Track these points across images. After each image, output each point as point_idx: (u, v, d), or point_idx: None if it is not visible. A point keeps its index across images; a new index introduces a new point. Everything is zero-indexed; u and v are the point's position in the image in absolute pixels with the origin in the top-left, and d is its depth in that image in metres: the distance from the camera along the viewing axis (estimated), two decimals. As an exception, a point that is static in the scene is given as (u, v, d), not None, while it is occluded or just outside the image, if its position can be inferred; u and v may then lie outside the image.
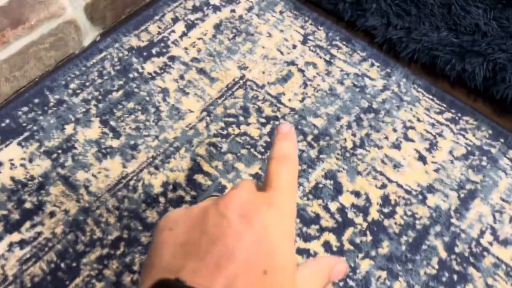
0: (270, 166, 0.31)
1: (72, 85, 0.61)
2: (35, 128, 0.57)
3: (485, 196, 0.52)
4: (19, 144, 0.56)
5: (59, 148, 0.55)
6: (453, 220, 0.51)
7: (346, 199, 0.52)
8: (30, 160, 0.54)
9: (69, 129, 0.57)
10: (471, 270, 0.48)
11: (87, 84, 0.61)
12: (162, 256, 0.26)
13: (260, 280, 0.25)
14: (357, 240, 0.49)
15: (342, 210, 0.51)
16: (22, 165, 0.54)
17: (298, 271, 0.28)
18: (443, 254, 0.49)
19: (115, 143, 0.56)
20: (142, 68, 0.62)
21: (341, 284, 0.47)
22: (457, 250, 0.49)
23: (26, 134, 0.56)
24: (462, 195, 0.53)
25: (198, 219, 0.27)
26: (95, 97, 0.60)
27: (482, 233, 0.50)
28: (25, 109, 0.58)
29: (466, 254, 0.49)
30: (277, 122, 0.58)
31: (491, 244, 0.49)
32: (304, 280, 0.29)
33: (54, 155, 0.55)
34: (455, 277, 0.47)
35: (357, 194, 0.53)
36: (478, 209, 0.52)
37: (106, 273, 0.47)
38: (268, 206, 0.28)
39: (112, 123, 0.57)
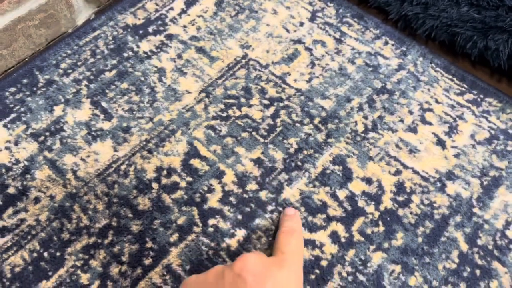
0: (279, 236, 0.39)
1: (63, 65, 0.57)
2: (22, 109, 0.53)
3: (511, 184, 0.47)
4: (4, 126, 0.52)
5: (47, 130, 0.52)
6: (475, 210, 0.46)
7: (356, 187, 0.47)
8: (16, 143, 0.51)
9: (58, 110, 0.53)
10: (495, 264, 0.43)
11: (79, 63, 0.57)
12: None
13: None
14: (368, 231, 0.45)
15: (351, 198, 0.47)
16: (7, 148, 0.50)
17: None
18: (464, 247, 0.44)
19: (106, 126, 0.52)
20: (138, 47, 0.58)
21: (350, 278, 0.42)
22: (479, 242, 0.44)
23: (12, 115, 0.53)
24: (485, 183, 0.47)
25: (215, 281, 0.32)
26: (86, 77, 0.56)
27: (507, 224, 0.45)
28: (12, 89, 0.55)
29: (490, 247, 0.44)
30: (281, 104, 0.53)
31: (518, 236, 0.44)
32: None
33: (41, 138, 0.51)
34: (477, 272, 0.42)
35: (368, 181, 0.48)
36: (503, 198, 0.46)
37: (93, 264, 0.43)
38: (279, 268, 0.34)
39: (104, 104, 0.53)
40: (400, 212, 0.46)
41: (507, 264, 0.43)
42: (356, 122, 0.52)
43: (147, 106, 0.53)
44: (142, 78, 0.55)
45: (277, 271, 0.34)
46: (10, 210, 0.46)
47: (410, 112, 0.52)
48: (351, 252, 0.44)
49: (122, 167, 0.49)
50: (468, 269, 0.43)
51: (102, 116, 0.52)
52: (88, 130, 0.52)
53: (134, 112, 0.53)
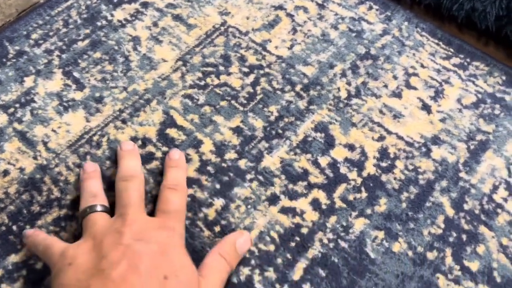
0: (162, 194, 0.38)
1: (34, 35, 0.54)
2: (-9, 81, 0.51)
3: (499, 148, 0.46)
4: (-28, 98, 0.50)
5: (16, 102, 0.49)
6: (462, 174, 0.44)
7: (339, 153, 0.46)
8: (-16, 116, 0.49)
9: (28, 81, 0.51)
10: (482, 229, 0.41)
11: (51, 34, 0.55)
12: (66, 282, 0.30)
13: (162, 284, 0.29)
14: (350, 197, 0.43)
15: (333, 165, 0.45)
16: (-26, 120, 0.48)
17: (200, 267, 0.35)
18: (450, 212, 0.42)
19: (78, 96, 0.50)
20: (112, 15, 0.56)
21: (331, 245, 0.41)
22: (466, 207, 0.42)
23: (-19, 88, 0.51)
24: (472, 147, 0.46)
25: (94, 249, 0.32)
26: (58, 47, 0.53)
27: (495, 188, 0.43)
28: (-20, 61, 0.52)
29: (477, 212, 0.42)
30: (261, 72, 0.51)
31: (505, 200, 0.43)
32: (206, 271, 0.34)
33: (11, 110, 0.49)
34: (464, 237, 0.41)
35: (351, 147, 0.46)
36: (491, 161, 0.45)
37: (64, 236, 0.41)
38: (160, 229, 0.34)
39: (76, 74, 0.51)
40: (384, 178, 0.44)
41: (494, 228, 0.41)
42: (339, 88, 0.50)
43: (121, 76, 0.51)
44: (116, 47, 0.53)
45: (159, 232, 0.34)
46: (-23, 184, 0.44)
47: (395, 77, 0.51)
48: (333, 219, 0.42)
49: (95, 138, 0.47)
50: (454, 234, 0.41)
51: (74, 87, 0.50)
52: (60, 101, 0.49)
53: (107, 82, 0.50)
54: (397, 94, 0.49)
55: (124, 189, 0.38)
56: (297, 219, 0.42)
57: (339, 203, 0.43)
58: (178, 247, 0.34)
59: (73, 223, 0.42)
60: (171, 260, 0.32)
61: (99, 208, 0.37)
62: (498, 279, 0.39)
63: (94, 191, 0.39)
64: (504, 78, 0.50)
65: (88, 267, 0.30)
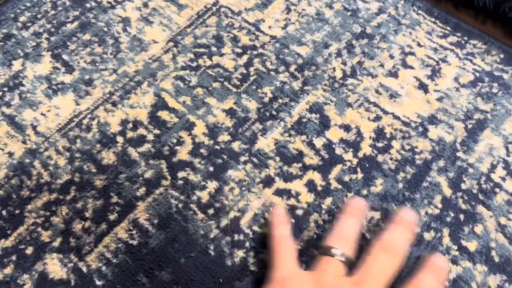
0: (372, 250, 0.32)
1: (22, 18, 0.53)
2: (-22, 65, 0.50)
3: (497, 126, 0.45)
4: (-41, 82, 0.49)
5: (4, 86, 0.48)
6: (459, 154, 0.43)
7: (334, 134, 0.45)
8: (-29, 100, 0.47)
9: (16, 65, 0.50)
10: (480, 208, 0.41)
11: (39, 16, 0.53)
12: None
13: None
14: (346, 178, 0.42)
15: (329, 146, 0.44)
16: (-39, 105, 0.47)
17: None
18: (448, 192, 0.42)
19: (67, 79, 0.48)
20: (101, -4, 0.54)
21: (327, 226, 0.40)
22: (464, 187, 0.42)
23: (-33, 71, 0.49)
24: (469, 126, 0.45)
25: None
26: (47, 29, 0.52)
27: (493, 167, 0.43)
28: (-33, 44, 0.51)
29: (475, 191, 0.41)
30: (254, 52, 0.50)
31: (503, 179, 0.42)
32: None
33: (-1, 94, 0.48)
34: (461, 217, 0.40)
35: (346, 128, 0.45)
36: (488, 140, 0.44)
37: (54, 221, 0.41)
38: None
39: (65, 57, 0.50)
40: (380, 158, 0.43)
41: (492, 207, 0.41)
42: (334, 68, 0.49)
43: (111, 58, 0.50)
44: (106, 29, 0.52)
45: None
46: (-35, 169, 0.43)
47: (391, 57, 0.50)
48: (328, 200, 0.41)
49: (85, 121, 0.46)
50: (452, 214, 0.40)
51: (63, 69, 0.49)
52: (49, 84, 0.48)
53: (97, 64, 0.49)
54: (393, 74, 0.48)
55: (376, 257, 0.32)
56: (292, 201, 0.41)
57: (334, 184, 0.42)
58: None
59: (63, 207, 0.41)
60: None
61: (341, 257, 0.33)
62: (496, 259, 0.38)
63: (348, 235, 0.34)
64: (502, 56, 0.49)
65: None
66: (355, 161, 0.43)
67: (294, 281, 0.32)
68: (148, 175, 0.43)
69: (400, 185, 0.42)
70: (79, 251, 0.39)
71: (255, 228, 0.40)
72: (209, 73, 0.49)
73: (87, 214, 0.41)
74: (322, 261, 0.33)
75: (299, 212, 0.41)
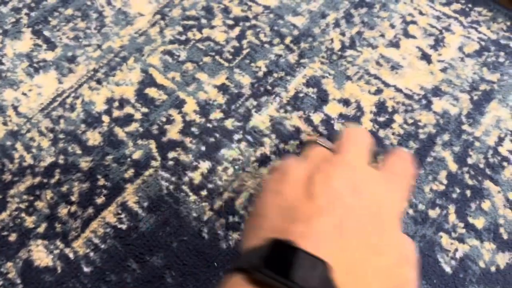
0: (392, 156, 0.29)
1: (-1, -7, 0.50)
2: (-47, 43, 0.47)
3: (504, 97, 0.42)
4: None
5: (-18, 65, 0.46)
6: (465, 127, 0.41)
7: (333, 109, 0.42)
8: None
9: (-5, 42, 0.47)
10: (487, 183, 0.38)
11: (17, -10, 0.50)
12: (269, 217, 0.25)
13: (368, 255, 0.24)
14: (346, 155, 0.40)
15: (327, 121, 0.42)
16: None
17: None
18: (453, 167, 0.39)
19: (49, 56, 0.46)
20: (83, -32, 0.51)
21: (326, 206, 0.38)
22: (470, 161, 0.40)
23: None
24: (475, 98, 0.43)
25: (304, 184, 0.26)
26: (26, 5, 0.49)
27: (500, 140, 0.40)
28: None
29: (482, 166, 0.39)
30: (247, 24, 0.47)
31: (511, 152, 0.40)
32: None
33: (-24, 73, 0.45)
34: (468, 192, 0.38)
35: (346, 102, 0.43)
36: (495, 112, 0.42)
37: (38, 205, 0.38)
38: (379, 182, 0.26)
39: (46, 33, 0.47)
40: (381, 133, 0.41)
41: (500, 182, 0.39)
42: (332, 39, 0.46)
43: (95, 33, 0.47)
44: (89, 3, 0.49)
45: (377, 185, 0.26)
46: None
47: (392, 26, 0.47)
48: (327, 179, 0.39)
49: (68, 100, 0.43)
50: (458, 190, 0.38)
51: (44, 46, 0.46)
52: (30, 62, 0.45)
53: (80, 40, 0.46)
54: (394, 44, 0.46)
55: (349, 136, 0.30)
56: (289, 180, 0.39)
57: (333, 161, 0.40)
58: (393, 214, 0.27)
59: (48, 191, 0.39)
60: (383, 230, 0.26)
61: (325, 144, 0.30)
62: (505, 236, 0.36)
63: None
64: (508, 24, 0.47)
65: (294, 206, 0.25)
66: (355, 136, 0.41)
67: (288, 164, 0.28)
68: (136, 156, 0.40)
69: (403, 161, 0.39)
70: (65, 237, 0.37)
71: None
72: (199, 47, 0.46)
73: (73, 198, 0.39)
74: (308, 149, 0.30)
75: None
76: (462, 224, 0.37)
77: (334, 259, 0.22)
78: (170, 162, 0.40)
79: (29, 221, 0.38)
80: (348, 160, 0.27)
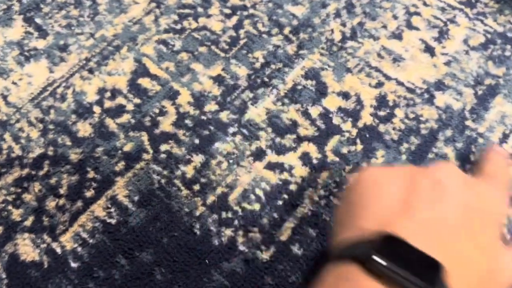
0: (491, 157, 0.31)
1: (-10, -21, 0.49)
2: None
3: (509, 93, 0.41)
4: None
5: (-28, 52, 0.44)
6: (468, 123, 0.40)
7: (331, 102, 0.41)
8: None
9: (-15, 29, 0.46)
10: (490, 182, 0.37)
11: (9, -24, 0.49)
12: (371, 209, 0.25)
13: (468, 251, 0.24)
14: (344, 150, 0.39)
15: (325, 115, 0.40)
16: None
17: None
18: (455, 164, 0.38)
19: (40, 44, 0.44)
20: (77, -46, 0.49)
21: (322, 203, 0.36)
22: (473, 158, 0.38)
23: None
24: (479, 92, 0.41)
25: (407, 179, 0.26)
26: (18, -9, 0.48)
27: (505, 136, 0.39)
28: None
29: (485, 163, 0.38)
30: (245, 13, 0.46)
31: (517, 150, 0.38)
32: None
33: (-34, 61, 0.44)
34: (470, 191, 0.37)
35: (345, 95, 0.41)
36: (500, 108, 0.40)
37: (26, 198, 0.37)
38: (484, 183, 0.28)
39: (38, 20, 0.46)
40: (382, 128, 0.40)
41: (504, 181, 0.37)
42: (332, 30, 0.45)
43: (88, 21, 0.45)
44: (82, -11, 0.47)
45: (482, 185, 0.27)
46: None
47: (395, 17, 0.45)
48: (325, 174, 0.38)
49: (59, 90, 0.42)
50: (459, 188, 0.37)
51: (36, 34, 0.45)
52: (20, 50, 0.44)
53: (73, 28, 0.45)
54: (397, 36, 0.44)
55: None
56: (285, 175, 0.38)
57: (331, 157, 0.38)
58: (497, 214, 0.27)
59: (36, 184, 0.38)
60: (485, 227, 0.26)
61: None
62: (507, 236, 0.35)
63: None
64: (516, 15, 0.45)
65: (396, 198, 0.25)
66: (354, 131, 0.39)
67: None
68: (127, 148, 0.39)
69: (404, 157, 0.38)
70: (53, 231, 0.36)
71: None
72: (195, 36, 0.44)
73: (62, 191, 0.38)
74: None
75: (293, 187, 0.37)
76: (463, 224, 0.35)
77: (446, 259, 0.22)
78: (162, 155, 0.39)
79: (16, 214, 0.37)
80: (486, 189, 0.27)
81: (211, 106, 0.41)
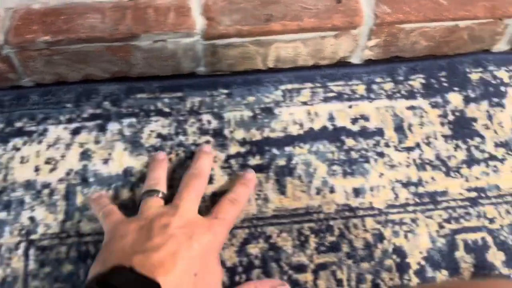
0: (222, 202, 0.40)
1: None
2: None
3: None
4: None
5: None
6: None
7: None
8: None
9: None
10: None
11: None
12: (114, 250, 0.34)
13: (191, 278, 0.33)
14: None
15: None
16: None
17: None
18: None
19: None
20: None
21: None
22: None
23: None
24: None
25: (144, 229, 0.35)
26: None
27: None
28: None
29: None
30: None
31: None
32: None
33: None
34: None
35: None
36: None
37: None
38: (206, 231, 0.36)
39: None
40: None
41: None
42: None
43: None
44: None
45: (204, 233, 0.36)
46: None
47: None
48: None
49: None
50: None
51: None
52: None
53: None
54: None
55: (186, 185, 0.40)
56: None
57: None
58: (215, 252, 0.37)
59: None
60: (205, 262, 0.35)
61: (157, 194, 0.39)
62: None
63: (157, 178, 0.41)
64: None
65: (134, 244, 0.34)
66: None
67: (121, 225, 0.36)
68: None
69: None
70: None
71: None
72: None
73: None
74: (144, 202, 0.39)
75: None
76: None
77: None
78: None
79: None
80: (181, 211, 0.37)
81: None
